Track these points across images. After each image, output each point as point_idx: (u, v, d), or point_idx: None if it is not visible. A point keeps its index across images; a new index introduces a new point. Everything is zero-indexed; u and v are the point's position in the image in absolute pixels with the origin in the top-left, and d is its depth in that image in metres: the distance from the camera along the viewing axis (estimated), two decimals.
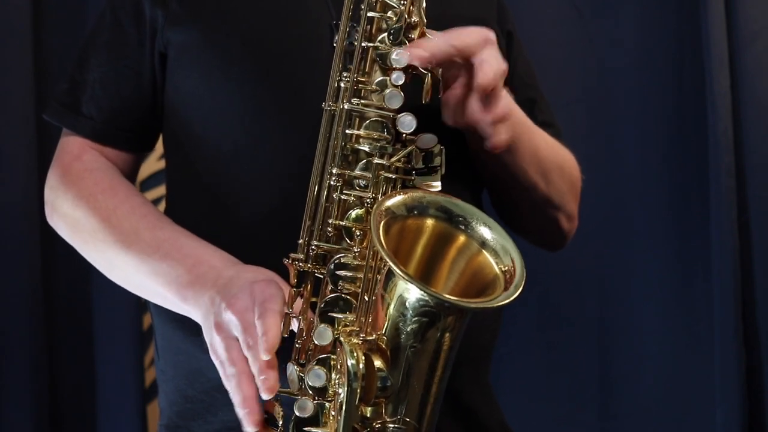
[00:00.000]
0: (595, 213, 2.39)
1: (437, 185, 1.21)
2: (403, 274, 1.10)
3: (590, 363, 2.44)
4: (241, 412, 1.15)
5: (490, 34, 1.25)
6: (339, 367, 1.13)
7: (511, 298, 1.13)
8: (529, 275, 2.43)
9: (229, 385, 1.17)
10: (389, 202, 1.17)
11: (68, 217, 1.40)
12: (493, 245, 1.18)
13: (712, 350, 2.29)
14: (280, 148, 1.33)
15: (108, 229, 1.35)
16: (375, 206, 1.16)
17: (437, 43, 1.22)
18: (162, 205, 1.48)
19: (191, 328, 1.29)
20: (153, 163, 2.40)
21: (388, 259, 1.10)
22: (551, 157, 1.44)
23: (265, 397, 1.15)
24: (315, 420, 1.17)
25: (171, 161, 1.45)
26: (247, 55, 1.36)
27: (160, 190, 2.40)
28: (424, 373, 1.14)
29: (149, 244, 1.32)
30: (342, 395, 1.11)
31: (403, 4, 1.22)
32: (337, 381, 1.14)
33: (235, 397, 1.16)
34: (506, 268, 1.17)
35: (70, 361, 2.40)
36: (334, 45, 1.26)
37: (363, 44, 1.22)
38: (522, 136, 1.38)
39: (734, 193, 2.26)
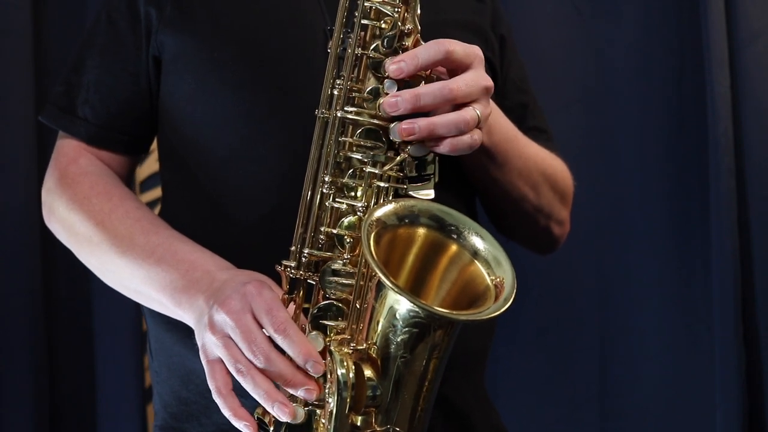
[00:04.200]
0: (595, 213, 2.39)
1: (430, 193, 1.21)
2: (393, 286, 1.10)
3: (590, 363, 2.43)
4: (270, 406, 1.15)
5: (480, 51, 1.24)
6: (329, 375, 1.13)
7: (501, 311, 1.12)
8: (530, 275, 2.45)
9: (245, 383, 1.16)
10: (379, 213, 1.17)
11: (64, 220, 1.41)
12: (485, 255, 1.18)
13: (712, 350, 2.28)
14: (273, 153, 1.33)
15: (102, 234, 1.35)
16: (365, 217, 1.16)
17: (422, 50, 1.20)
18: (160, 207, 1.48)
19: (184, 331, 1.29)
20: (153, 163, 2.40)
21: (378, 271, 1.10)
22: (541, 169, 1.44)
23: (312, 399, 1.15)
24: (306, 427, 1.17)
25: (165, 164, 1.45)
26: (242, 61, 1.35)
27: (160, 191, 2.40)
28: (414, 382, 1.14)
29: (143, 248, 1.32)
30: (332, 404, 1.11)
31: (397, 11, 1.21)
32: (327, 389, 1.13)
33: (257, 393, 1.16)
34: (498, 279, 1.16)
35: (70, 361, 2.40)
36: (329, 50, 1.26)
37: (356, 52, 1.21)
38: (511, 151, 1.38)
39: (734, 193, 2.26)
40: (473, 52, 1.23)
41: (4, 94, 2.30)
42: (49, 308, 2.35)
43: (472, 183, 1.42)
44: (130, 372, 2.40)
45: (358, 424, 1.14)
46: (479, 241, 1.19)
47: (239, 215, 1.34)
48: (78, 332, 2.41)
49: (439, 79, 1.22)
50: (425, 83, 1.20)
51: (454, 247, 1.19)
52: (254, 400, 1.17)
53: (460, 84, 1.20)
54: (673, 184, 2.37)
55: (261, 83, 1.34)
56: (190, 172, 1.38)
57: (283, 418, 1.15)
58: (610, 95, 2.41)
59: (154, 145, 1.50)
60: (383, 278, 1.09)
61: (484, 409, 1.43)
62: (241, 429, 1.18)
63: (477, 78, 1.21)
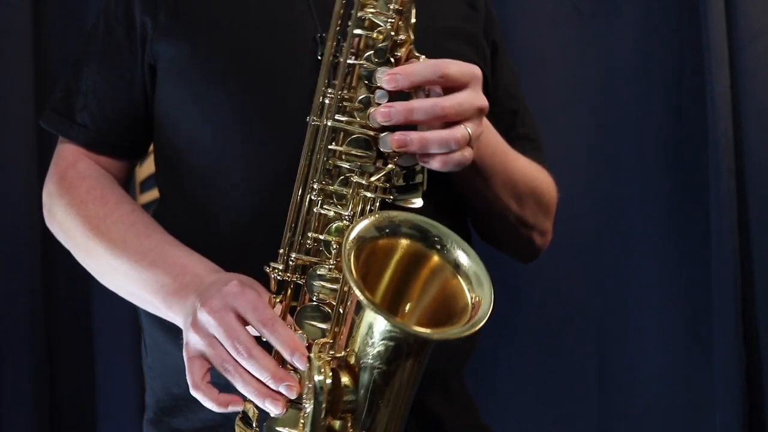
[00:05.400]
0: (596, 213, 2.39)
1: (418, 202, 1.23)
2: (370, 305, 1.12)
3: (590, 363, 2.43)
4: (262, 401, 1.17)
5: (478, 71, 1.25)
6: (308, 382, 1.15)
7: (467, 333, 1.13)
8: (530, 276, 2.45)
9: (234, 381, 1.18)
10: (357, 230, 1.18)
11: (62, 224, 1.44)
12: (466, 271, 1.19)
13: (712, 350, 2.29)
14: (265, 158, 1.35)
15: (98, 237, 1.38)
16: (345, 237, 1.17)
17: (419, 68, 1.21)
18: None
19: (176, 330, 1.32)
20: (152, 164, 2.39)
21: (357, 291, 1.11)
22: (526, 183, 1.46)
23: (292, 396, 1.17)
24: (290, 422, 1.19)
25: (160, 169, 1.48)
26: (234, 69, 1.37)
27: None
28: (391, 391, 1.16)
29: (136, 252, 1.35)
30: (308, 408, 1.14)
31: (391, 22, 1.22)
32: (305, 393, 1.16)
33: (247, 390, 1.17)
34: (476, 298, 1.17)
35: (70, 361, 2.41)
36: (319, 58, 1.28)
37: (349, 61, 1.22)
38: (498, 165, 1.40)
39: (734, 193, 2.26)
40: (470, 72, 1.24)
41: (4, 94, 2.31)
42: (49, 308, 2.36)
43: (458, 192, 1.43)
44: (130, 372, 2.40)
45: (336, 428, 1.16)
46: (463, 255, 1.20)
47: (232, 219, 1.36)
48: (78, 332, 2.42)
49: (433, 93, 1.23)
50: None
51: (436, 259, 1.20)
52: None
53: (453, 103, 1.21)
54: (673, 184, 2.37)
55: (253, 90, 1.36)
56: (184, 176, 1.41)
57: (275, 412, 1.17)
58: (610, 95, 2.41)
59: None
60: (362, 298, 1.11)
61: (460, 410, 1.45)
62: (230, 410, 1.20)
63: (471, 98, 1.23)
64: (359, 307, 1.15)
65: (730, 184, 2.26)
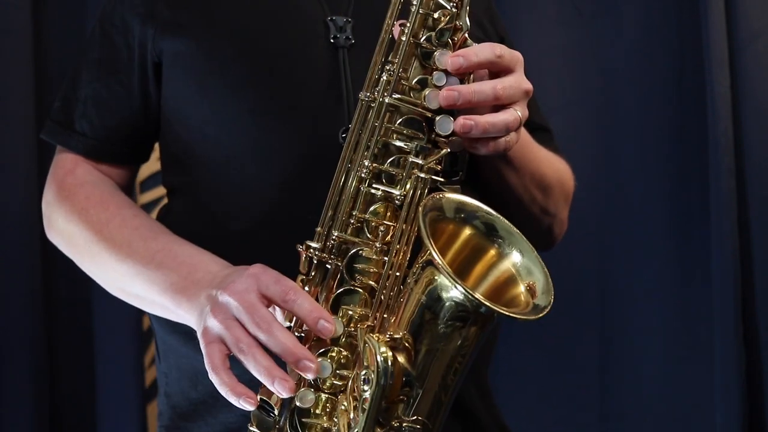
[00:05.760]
0: (596, 213, 2.39)
1: (457, 189, 1.22)
2: (450, 277, 1.10)
3: (590, 363, 2.44)
4: (270, 382, 1.14)
5: (520, 55, 1.26)
6: (365, 362, 1.12)
7: (539, 315, 1.17)
8: None
9: (246, 361, 1.16)
10: (439, 202, 1.17)
11: (63, 232, 1.42)
12: (522, 271, 1.20)
13: (712, 350, 2.29)
14: (278, 150, 1.33)
15: (101, 243, 1.36)
16: (425, 201, 1.16)
17: (477, 50, 1.21)
18: (161, 206, 1.48)
19: (190, 333, 1.29)
20: (152, 163, 2.37)
21: (437, 258, 1.10)
22: (552, 173, 1.46)
23: (309, 376, 1.15)
24: (315, 413, 1.17)
25: (169, 169, 1.44)
26: (242, 58, 1.35)
27: (160, 191, 2.40)
28: (445, 374, 1.14)
29: (143, 255, 1.32)
30: (368, 392, 1.11)
31: (454, 6, 1.21)
32: (363, 376, 1.12)
33: (258, 371, 1.15)
34: (531, 282, 1.20)
35: (70, 361, 2.40)
36: (331, 41, 1.27)
37: (409, 39, 1.20)
38: (527, 155, 1.39)
39: (734, 193, 2.26)
40: (517, 56, 1.25)
41: (4, 94, 2.30)
42: (49, 308, 2.35)
43: (484, 183, 1.42)
44: (130, 372, 2.40)
45: (389, 413, 1.13)
46: (521, 257, 1.21)
47: (246, 214, 1.33)
48: (78, 332, 2.42)
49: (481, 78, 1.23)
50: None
51: (501, 263, 1.20)
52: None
53: (505, 85, 1.22)
54: (673, 184, 2.37)
55: (262, 81, 1.34)
56: (194, 173, 1.38)
57: (284, 394, 1.14)
58: (611, 95, 2.41)
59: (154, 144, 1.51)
60: (443, 266, 1.09)
61: (489, 408, 1.44)
62: (240, 405, 1.16)
63: (519, 81, 1.24)
64: (422, 283, 1.13)
65: (730, 184, 2.26)
